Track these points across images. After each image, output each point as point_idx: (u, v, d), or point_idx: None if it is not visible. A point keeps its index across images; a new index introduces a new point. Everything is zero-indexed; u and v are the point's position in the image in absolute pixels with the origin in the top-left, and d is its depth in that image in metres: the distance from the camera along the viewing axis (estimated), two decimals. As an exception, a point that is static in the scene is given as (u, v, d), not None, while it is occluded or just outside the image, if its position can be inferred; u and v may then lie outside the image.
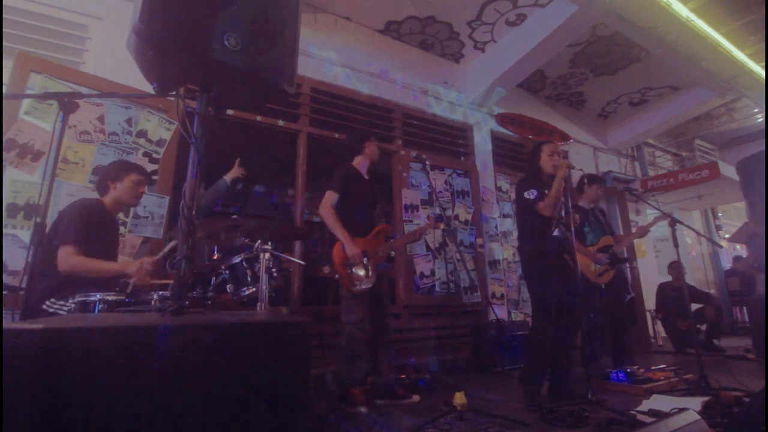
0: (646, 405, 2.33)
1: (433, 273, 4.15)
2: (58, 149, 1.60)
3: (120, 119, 2.91)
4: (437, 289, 4.13)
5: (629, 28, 4.18)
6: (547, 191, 2.63)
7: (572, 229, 2.60)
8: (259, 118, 3.57)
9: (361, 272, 2.57)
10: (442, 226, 2.73)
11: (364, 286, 2.55)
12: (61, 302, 1.83)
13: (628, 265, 5.71)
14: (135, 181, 2.21)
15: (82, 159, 2.73)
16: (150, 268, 1.93)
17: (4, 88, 2.54)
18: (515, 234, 4.88)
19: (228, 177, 3.02)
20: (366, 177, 2.85)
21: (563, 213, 2.69)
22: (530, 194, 2.62)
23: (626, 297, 5.52)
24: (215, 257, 2.83)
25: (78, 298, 1.73)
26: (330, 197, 2.63)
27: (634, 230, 4.27)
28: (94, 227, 2.02)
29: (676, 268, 5.08)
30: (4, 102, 2.48)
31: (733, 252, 9.11)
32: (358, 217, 2.69)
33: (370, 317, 2.61)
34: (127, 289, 1.85)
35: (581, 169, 3.96)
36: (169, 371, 0.77)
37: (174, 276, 1.06)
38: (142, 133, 2.99)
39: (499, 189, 5.04)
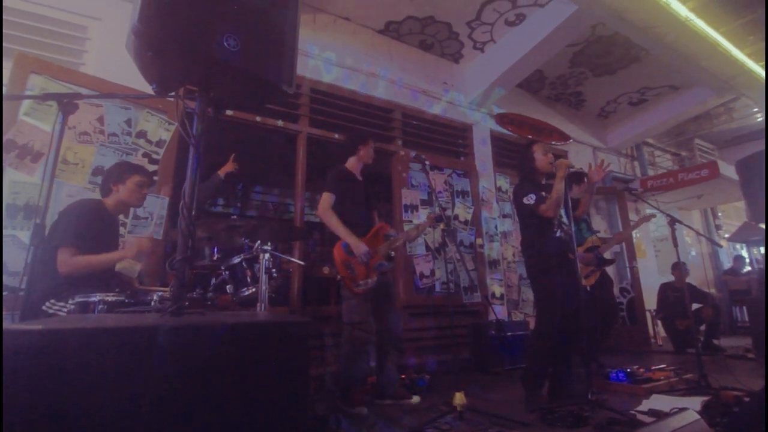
0: (646, 405, 2.33)
1: (433, 273, 4.15)
2: (57, 150, 1.60)
3: (120, 120, 2.92)
4: (437, 289, 4.13)
5: (629, 28, 4.18)
6: (544, 192, 2.62)
7: (572, 229, 2.60)
8: (258, 118, 3.57)
9: (363, 272, 2.57)
10: (441, 225, 2.73)
11: (365, 287, 2.55)
12: (61, 303, 1.83)
13: (628, 265, 5.72)
14: (138, 183, 2.21)
15: (81, 160, 2.73)
16: (149, 243, 1.95)
17: (4, 89, 2.54)
18: (515, 234, 4.88)
19: (222, 172, 3.04)
20: (359, 178, 2.85)
21: (564, 213, 2.69)
22: (529, 199, 2.60)
23: (627, 297, 5.55)
24: (215, 258, 2.83)
25: (78, 299, 1.73)
26: (327, 199, 2.63)
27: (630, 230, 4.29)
28: (92, 228, 2.02)
29: (678, 268, 5.07)
30: (4, 103, 2.48)
31: (733, 252, 9.10)
32: (355, 217, 2.69)
33: (374, 317, 2.61)
34: (128, 289, 1.85)
35: (581, 168, 3.96)
36: (168, 372, 0.77)
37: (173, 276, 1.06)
38: (141, 134, 2.99)
39: (499, 189, 5.04)
